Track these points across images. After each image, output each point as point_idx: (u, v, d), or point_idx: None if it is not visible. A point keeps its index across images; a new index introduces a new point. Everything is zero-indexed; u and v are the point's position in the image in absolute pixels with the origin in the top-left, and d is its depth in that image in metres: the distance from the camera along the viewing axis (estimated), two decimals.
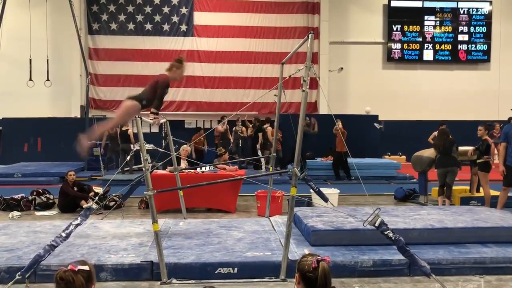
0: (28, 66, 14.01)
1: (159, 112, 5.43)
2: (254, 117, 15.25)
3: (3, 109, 15.99)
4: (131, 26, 17.21)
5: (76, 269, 2.10)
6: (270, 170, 7.88)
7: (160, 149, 6.35)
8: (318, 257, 2.29)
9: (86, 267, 2.13)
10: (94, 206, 4.92)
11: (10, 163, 14.65)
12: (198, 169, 8.66)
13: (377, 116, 15.72)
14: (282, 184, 9.31)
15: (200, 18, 17.38)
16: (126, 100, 5.38)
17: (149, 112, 5.38)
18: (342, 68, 17.84)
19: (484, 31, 18.22)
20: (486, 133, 8.50)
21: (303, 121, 4.81)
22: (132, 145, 13.40)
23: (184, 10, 17.32)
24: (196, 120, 17.38)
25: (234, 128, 14.79)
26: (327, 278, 2.24)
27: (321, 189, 6.73)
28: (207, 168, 8.74)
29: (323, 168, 12.94)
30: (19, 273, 4.43)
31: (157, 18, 17.28)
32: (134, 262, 4.94)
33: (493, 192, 8.43)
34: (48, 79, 14.34)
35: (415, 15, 18.03)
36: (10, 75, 16.23)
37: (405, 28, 18.02)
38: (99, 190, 8.90)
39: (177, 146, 9.03)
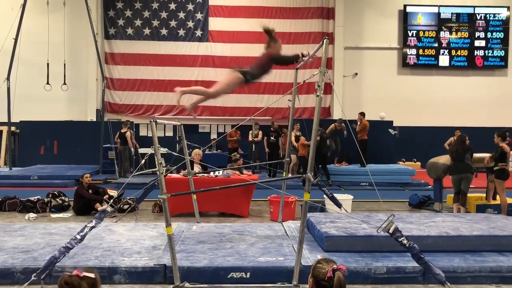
0: (46, 70, 14.24)
1: (177, 117, 5.45)
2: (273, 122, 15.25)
3: (20, 112, 16.21)
4: (147, 31, 17.39)
5: (82, 275, 2.09)
6: (284, 175, 7.87)
7: (174, 153, 6.38)
8: (334, 266, 2.25)
9: (92, 275, 2.12)
10: (109, 209, 4.96)
11: (27, 165, 14.87)
12: (212, 173, 8.69)
13: (392, 122, 15.62)
14: (295, 189, 9.30)
15: (215, 23, 17.47)
16: (231, 71, 5.33)
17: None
18: (356, 74, 17.76)
19: (501, 37, 17.98)
20: (500, 140, 8.39)
21: (317, 126, 4.79)
22: (129, 147, 13.57)
23: (199, 16, 17.45)
24: (210, 125, 17.47)
25: (250, 133, 14.80)
26: None
27: (334, 194, 6.70)
28: (221, 172, 8.76)
29: (337, 174, 12.86)
30: (34, 274, 4.49)
31: (173, 23, 17.43)
32: (147, 265, 4.97)
33: (510, 200, 8.30)
34: (65, 83, 14.55)
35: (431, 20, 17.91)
36: (28, 79, 16.45)
37: (421, 33, 17.89)
38: (113, 193, 8.98)
39: (190, 150, 9.08)
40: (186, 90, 5.49)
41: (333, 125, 13.72)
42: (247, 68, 5.36)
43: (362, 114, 13.78)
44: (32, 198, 9.03)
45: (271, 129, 14.25)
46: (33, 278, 4.45)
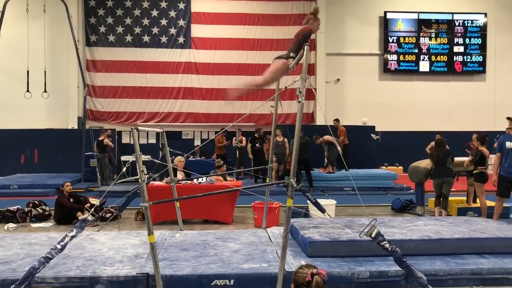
0: (26, 78, 14.03)
1: (159, 124, 5.44)
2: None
3: (0, 120, 16.00)
4: (128, 38, 17.31)
5: None
6: (267, 181, 7.87)
7: (156, 160, 6.34)
8: (314, 270, 2.29)
9: None
10: (90, 217, 4.89)
11: (7, 174, 14.61)
12: (195, 180, 8.65)
13: (374, 127, 15.78)
14: (279, 195, 9.31)
15: (198, 30, 17.49)
16: (275, 60, 5.43)
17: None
18: (338, 79, 17.93)
19: (479, 42, 18.38)
20: (479, 143, 8.54)
21: (300, 132, 4.81)
22: (106, 155, 13.46)
23: (181, 23, 17.44)
24: (194, 132, 17.42)
25: (233, 139, 14.81)
26: None
27: (318, 200, 6.72)
28: (204, 179, 8.73)
29: (321, 179, 12.92)
30: (13, 286, 4.40)
31: (155, 30, 17.39)
32: (129, 274, 4.91)
33: (490, 203, 8.43)
34: (45, 91, 14.36)
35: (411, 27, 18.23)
36: (7, 87, 16.26)
37: (401, 39, 18.17)
38: (95, 201, 8.86)
39: (173, 157, 9.02)
40: (239, 90, 5.73)
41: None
42: (288, 52, 5.48)
43: (337, 120, 14.01)
44: (11, 208, 8.85)
45: (256, 135, 14.28)
46: None
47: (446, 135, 11.64)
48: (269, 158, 7.94)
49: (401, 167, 16.32)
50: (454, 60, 18.33)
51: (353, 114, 17.39)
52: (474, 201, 9.17)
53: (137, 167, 4.70)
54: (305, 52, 4.88)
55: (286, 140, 13.13)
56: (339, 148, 12.39)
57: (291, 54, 5.40)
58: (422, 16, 18.21)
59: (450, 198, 8.78)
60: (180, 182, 8.27)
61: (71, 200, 8.67)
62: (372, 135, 15.37)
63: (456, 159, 8.95)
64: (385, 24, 18.10)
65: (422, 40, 18.24)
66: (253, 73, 17.48)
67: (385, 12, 18.07)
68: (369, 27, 18.22)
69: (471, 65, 18.39)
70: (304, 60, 4.83)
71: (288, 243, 4.89)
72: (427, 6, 18.28)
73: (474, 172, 8.42)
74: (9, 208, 8.85)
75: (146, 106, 17.24)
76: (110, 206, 8.82)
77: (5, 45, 13.51)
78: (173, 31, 17.41)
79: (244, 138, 14.73)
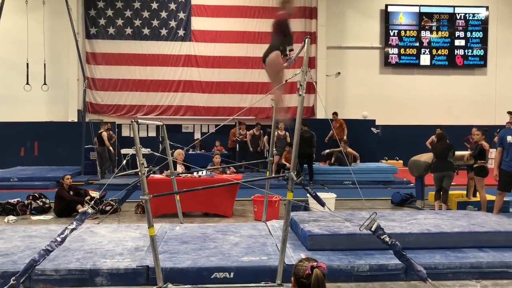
0: (25, 70, 13.98)
1: (159, 117, 5.43)
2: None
3: (0, 113, 15.99)
4: (128, 30, 17.23)
5: None
6: (267, 174, 7.87)
7: (156, 153, 6.33)
8: (314, 264, 2.30)
9: None
10: (90, 210, 4.89)
11: (7, 167, 14.61)
12: (195, 173, 8.65)
13: (374, 120, 15.76)
14: (279, 188, 9.32)
15: (198, 23, 17.40)
16: (270, 55, 5.63)
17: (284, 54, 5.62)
18: (339, 73, 17.88)
19: (481, 36, 18.29)
20: (483, 137, 8.52)
21: (300, 125, 4.80)
22: (106, 148, 13.43)
23: (181, 15, 17.35)
24: (194, 125, 17.40)
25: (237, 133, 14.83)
26: (320, 285, 2.28)
27: (318, 193, 6.72)
28: (204, 172, 8.73)
29: (321, 173, 12.91)
30: (13, 278, 4.40)
31: (155, 23, 17.30)
32: (129, 267, 4.92)
33: (490, 197, 8.44)
34: (45, 83, 14.31)
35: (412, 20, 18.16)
36: (7, 79, 16.22)
37: (402, 33, 18.10)
38: (95, 194, 8.87)
39: (173, 150, 9.02)
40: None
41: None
42: (274, 44, 5.72)
43: (336, 113, 14.34)
44: (12, 201, 8.86)
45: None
46: (12, 282, 4.37)
47: (446, 129, 11.63)
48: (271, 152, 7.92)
49: (401, 161, 16.32)
50: (455, 53, 18.25)
51: (354, 108, 17.36)
52: (474, 195, 9.17)
53: (137, 160, 4.69)
54: (305, 45, 4.85)
55: (288, 134, 13.12)
56: (358, 162, 12.80)
57: (281, 48, 5.45)
58: (423, 9, 18.11)
59: (450, 192, 8.79)
60: (180, 175, 8.27)
61: (71, 193, 8.68)
62: (372, 128, 15.36)
63: (457, 153, 8.94)
64: (386, 17, 18.01)
65: (423, 33, 18.14)
66: (253, 66, 17.42)
67: (386, 5, 17.96)
68: (370, 20, 18.13)
69: (472, 59, 18.32)
70: (305, 53, 4.81)
71: (288, 236, 4.90)
72: None
73: (474, 166, 8.42)
74: (9, 201, 8.86)
75: (146, 99, 17.20)
76: (110, 199, 8.83)
77: (5, 37, 13.45)
78: (173, 23, 17.33)
79: (248, 132, 14.75)
